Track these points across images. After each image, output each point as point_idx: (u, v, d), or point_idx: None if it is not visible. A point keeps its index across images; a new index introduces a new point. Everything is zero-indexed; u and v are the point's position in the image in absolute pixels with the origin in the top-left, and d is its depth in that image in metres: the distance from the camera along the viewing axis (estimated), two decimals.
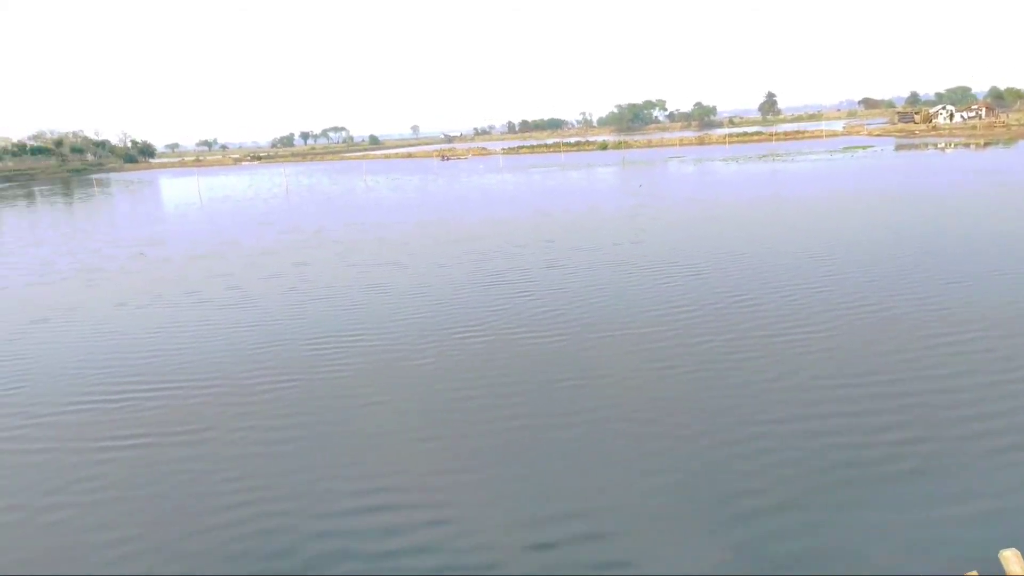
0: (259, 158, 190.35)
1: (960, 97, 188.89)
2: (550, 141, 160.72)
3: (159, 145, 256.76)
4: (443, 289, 21.24)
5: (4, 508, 9.80)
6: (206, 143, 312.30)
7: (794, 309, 16.82)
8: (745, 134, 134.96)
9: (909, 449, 9.89)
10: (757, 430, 10.71)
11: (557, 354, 14.71)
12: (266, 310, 19.93)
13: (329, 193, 66.18)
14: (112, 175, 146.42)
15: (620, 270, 22.48)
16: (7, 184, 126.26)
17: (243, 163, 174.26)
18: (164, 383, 14.30)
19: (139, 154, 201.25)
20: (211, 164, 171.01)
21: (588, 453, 10.38)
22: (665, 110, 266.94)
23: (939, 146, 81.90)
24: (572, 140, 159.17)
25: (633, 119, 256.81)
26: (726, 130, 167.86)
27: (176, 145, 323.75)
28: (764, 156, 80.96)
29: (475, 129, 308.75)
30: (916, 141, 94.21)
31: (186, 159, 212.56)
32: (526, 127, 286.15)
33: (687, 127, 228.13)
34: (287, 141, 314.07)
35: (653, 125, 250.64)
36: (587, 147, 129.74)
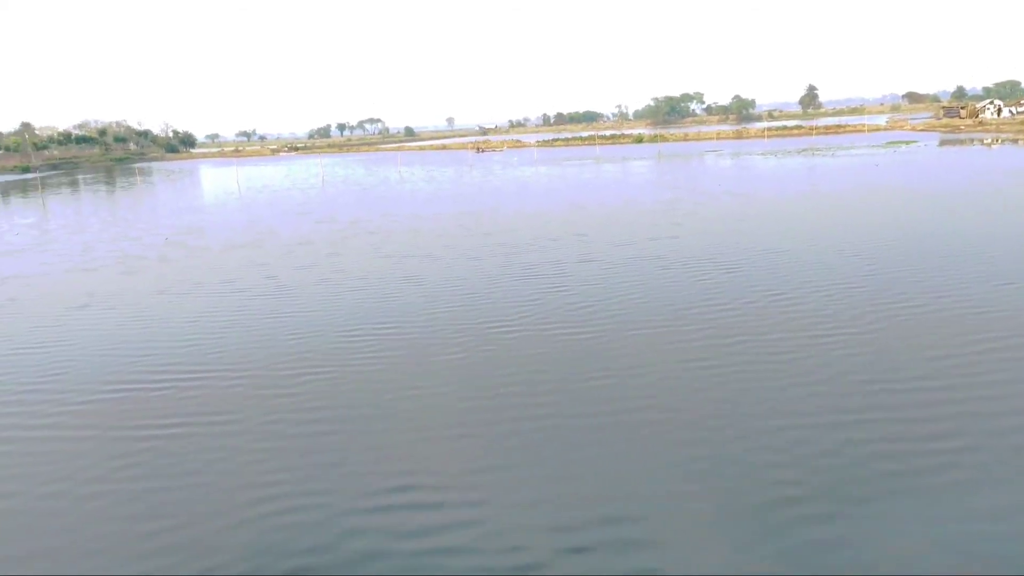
0: (296, 149, 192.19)
1: (1009, 91, 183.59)
2: (585, 134, 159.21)
3: (199, 135, 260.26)
4: (476, 282, 21.16)
5: (46, 495, 9.95)
6: (245, 133, 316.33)
7: (836, 309, 16.38)
8: (784, 128, 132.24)
9: (958, 459, 9.53)
10: (797, 435, 10.43)
11: (591, 350, 14.53)
12: (301, 300, 20.05)
13: (364, 184, 66.55)
14: (154, 164, 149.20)
15: (656, 265, 22.17)
16: (53, 172, 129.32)
17: (281, 153, 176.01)
18: (200, 371, 14.46)
19: (180, 144, 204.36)
20: (250, 154, 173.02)
21: (623, 454, 10.21)
22: (703, 103, 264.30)
23: (985, 142, 79.46)
24: (607, 133, 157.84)
25: (670, 112, 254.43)
26: (765, 124, 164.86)
27: (216, 135, 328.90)
28: (804, 150, 79.43)
29: (510, 121, 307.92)
30: (961, 137, 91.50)
31: (225, 149, 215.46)
32: (561, 120, 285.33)
33: (725, 120, 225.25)
34: (324, 132, 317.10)
35: (690, 118, 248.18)
36: (622, 140, 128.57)
